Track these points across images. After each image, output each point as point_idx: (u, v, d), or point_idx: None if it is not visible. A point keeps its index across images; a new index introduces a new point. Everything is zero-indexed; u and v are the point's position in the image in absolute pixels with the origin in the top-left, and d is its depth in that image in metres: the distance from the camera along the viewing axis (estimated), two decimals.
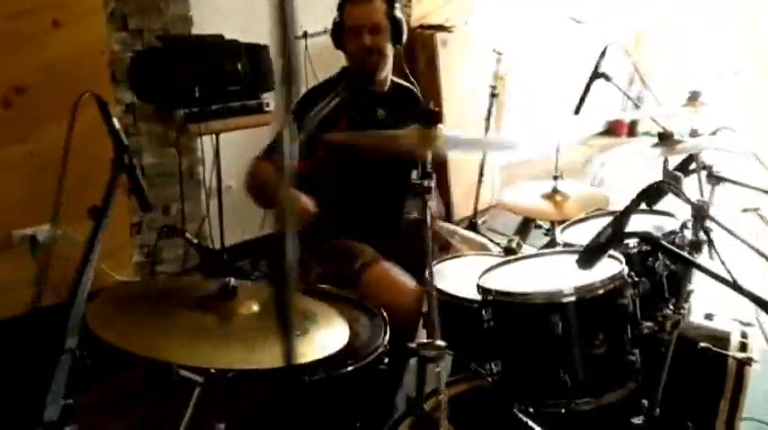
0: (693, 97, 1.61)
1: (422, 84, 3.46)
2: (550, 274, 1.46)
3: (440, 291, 1.66)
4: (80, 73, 2.53)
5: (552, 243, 1.84)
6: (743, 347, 1.70)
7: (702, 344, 1.69)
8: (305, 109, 1.96)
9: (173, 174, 2.95)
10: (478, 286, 1.44)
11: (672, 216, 1.65)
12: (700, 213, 1.31)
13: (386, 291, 1.77)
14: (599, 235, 1.23)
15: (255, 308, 1.24)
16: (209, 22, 2.79)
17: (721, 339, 1.72)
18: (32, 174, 2.51)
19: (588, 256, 1.27)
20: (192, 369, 1.20)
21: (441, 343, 1.24)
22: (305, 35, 2.94)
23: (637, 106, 2.58)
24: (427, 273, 1.31)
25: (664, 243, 1.16)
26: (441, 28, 3.76)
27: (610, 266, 1.36)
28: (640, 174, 1.74)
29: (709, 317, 1.86)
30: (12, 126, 2.43)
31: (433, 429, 1.34)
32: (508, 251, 1.93)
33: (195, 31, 2.77)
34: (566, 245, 1.69)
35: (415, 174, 1.31)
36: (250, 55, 2.48)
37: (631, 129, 5.90)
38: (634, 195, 1.28)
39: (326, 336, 1.21)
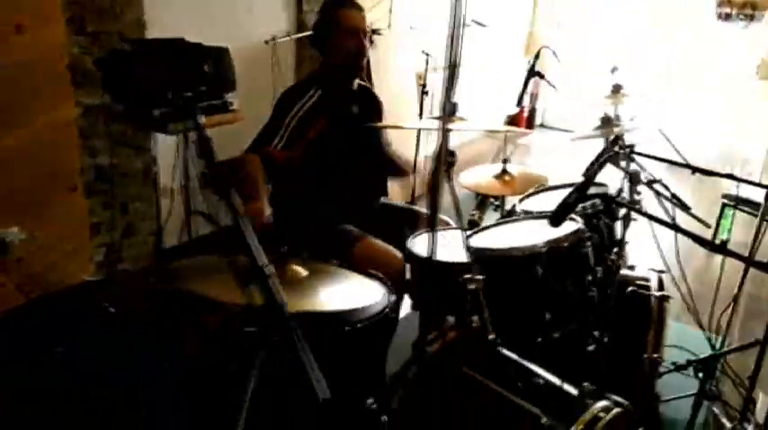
0: (616, 89, 2.03)
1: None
2: (521, 235, 1.81)
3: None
4: (42, 76, 2.58)
5: (511, 213, 2.19)
6: (660, 288, 2.13)
7: (630, 288, 2.11)
8: (284, 107, 2.20)
9: (132, 174, 3.03)
10: (470, 247, 1.76)
11: (604, 185, 2.06)
12: (634, 179, 1.70)
13: (376, 261, 2.04)
14: (567, 198, 1.58)
15: (304, 272, 1.48)
16: (160, 25, 2.92)
17: (643, 283, 2.15)
18: None
19: (558, 216, 1.62)
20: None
21: None
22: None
23: None
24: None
25: (620, 200, 1.53)
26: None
27: (570, 225, 1.72)
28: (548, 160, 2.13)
29: (631, 267, 2.30)
30: None
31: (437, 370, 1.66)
32: (472, 223, 2.28)
33: (150, 34, 2.88)
34: (525, 212, 2.05)
35: None
36: (214, 57, 2.63)
37: (529, 122, 6.54)
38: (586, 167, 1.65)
39: (366, 292, 1.47)
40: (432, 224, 1.18)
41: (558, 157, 5.64)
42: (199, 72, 2.60)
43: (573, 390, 1.60)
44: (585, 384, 1.65)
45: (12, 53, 2.44)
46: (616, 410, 1.53)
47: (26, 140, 2.57)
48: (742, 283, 2.09)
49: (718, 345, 2.20)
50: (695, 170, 1.91)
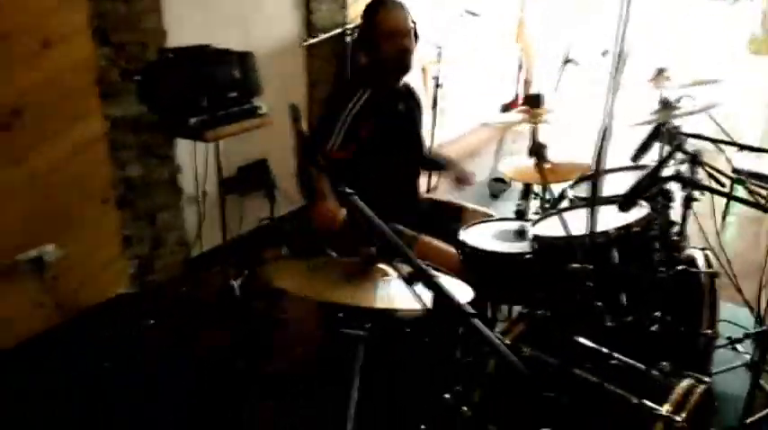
0: (659, 72, 2.07)
1: None
2: (574, 224, 1.83)
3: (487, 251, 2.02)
4: (71, 91, 2.55)
5: (557, 202, 2.21)
6: (708, 265, 2.19)
7: (679, 267, 2.16)
8: (335, 107, 2.20)
9: (159, 183, 3.00)
10: (537, 236, 1.79)
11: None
12: (695, 158, 1.74)
13: (435, 259, 2.06)
14: (639, 182, 1.61)
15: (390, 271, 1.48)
16: (178, 31, 2.88)
17: (691, 261, 2.20)
18: (33, 195, 2.49)
19: (629, 200, 1.65)
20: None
21: None
22: None
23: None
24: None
25: (696, 180, 1.56)
26: None
27: (637, 209, 1.76)
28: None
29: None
30: (10, 148, 2.40)
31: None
32: (519, 213, 2.31)
33: (170, 43, 2.85)
34: (578, 199, 2.09)
35: None
36: (241, 62, 2.63)
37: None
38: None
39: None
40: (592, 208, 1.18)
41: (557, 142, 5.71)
42: (229, 78, 2.61)
43: (654, 371, 1.64)
44: (664, 364, 1.69)
45: (41, 69, 2.41)
46: (702, 387, 1.57)
47: (58, 157, 2.54)
48: None
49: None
50: (742, 147, 1.96)
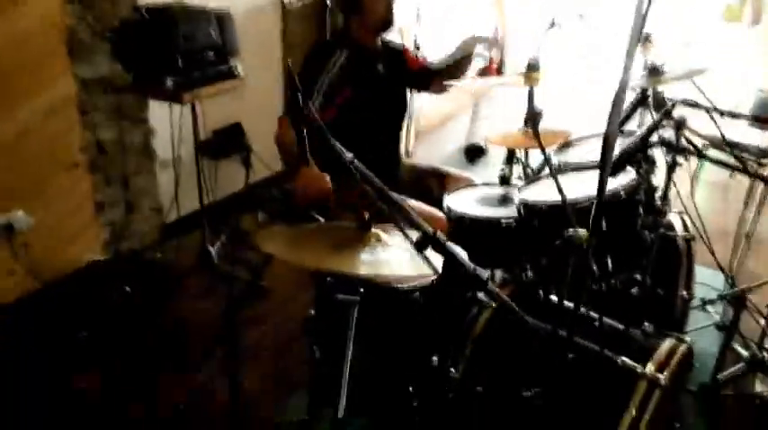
0: (646, 38, 2.07)
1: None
2: (575, 187, 1.84)
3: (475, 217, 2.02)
4: (39, 51, 2.43)
5: (544, 166, 2.22)
6: (685, 229, 2.24)
7: (661, 231, 2.20)
8: (313, 69, 2.15)
9: (131, 147, 2.91)
10: (526, 202, 1.79)
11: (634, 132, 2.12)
12: (681, 125, 1.75)
13: None
14: (627, 148, 1.63)
15: (384, 236, 1.47)
16: None
17: (668, 226, 2.24)
18: (0, 160, 2.39)
19: (617, 166, 1.66)
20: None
21: None
22: None
23: None
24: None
25: (685, 145, 1.58)
26: None
27: (623, 174, 1.77)
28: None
29: None
30: None
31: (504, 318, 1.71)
32: (503, 179, 2.31)
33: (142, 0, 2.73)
34: (564, 165, 2.10)
35: None
36: (219, 22, 2.54)
37: (499, 70, 6.56)
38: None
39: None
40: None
41: (513, 102, 5.73)
42: (206, 38, 2.52)
43: (636, 332, 1.68)
44: (646, 325, 1.74)
45: (5, 28, 2.28)
46: (684, 346, 1.62)
47: (26, 120, 2.43)
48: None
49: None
50: (723, 114, 1.99)
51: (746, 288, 2.01)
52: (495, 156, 4.46)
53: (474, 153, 4.19)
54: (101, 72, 2.62)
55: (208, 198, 3.17)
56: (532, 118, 1.38)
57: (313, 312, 2.60)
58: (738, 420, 2.17)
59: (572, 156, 2.19)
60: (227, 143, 3.43)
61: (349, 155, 1.20)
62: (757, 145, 2.55)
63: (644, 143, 1.60)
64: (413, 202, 2.15)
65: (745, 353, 2.27)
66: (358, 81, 2.18)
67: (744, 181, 2.78)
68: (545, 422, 1.55)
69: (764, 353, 2.22)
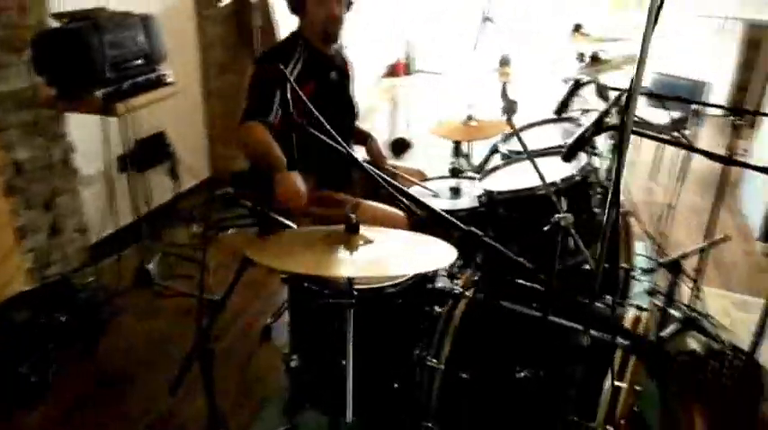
0: (576, 29, 2.20)
1: (262, 40, 3.61)
2: (522, 176, 1.93)
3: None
4: None
5: (490, 156, 2.30)
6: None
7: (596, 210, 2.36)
8: (270, 75, 2.09)
9: (51, 166, 2.70)
10: (490, 192, 1.85)
11: (577, 119, 2.25)
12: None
13: (382, 223, 2.06)
14: (583, 133, 1.72)
15: (370, 238, 1.47)
16: None
17: None
18: None
19: (572, 151, 1.76)
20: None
21: None
22: None
23: None
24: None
25: (644, 131, 1.70)
26: None
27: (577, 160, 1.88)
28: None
29: None
30: None
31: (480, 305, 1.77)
32: (455, 171, 2.38)
33: (54, 7, 2.53)
34: (510, 153, 2.19)
35: None
36: (145, 26, 2.40)
37: (407, 69, 6.68)
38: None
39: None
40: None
41: (428, 100, 5.90)
42: (133, 44, 2.38)
43: (601, 305, 1.80)
44: (608, 297, 1.86)
45: None
46: (645, 314, 1.75)
47: None
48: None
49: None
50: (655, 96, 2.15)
51: (682, 255, 2.19)
52: (420, 149, 4.55)
53: (400, 147, 4.25)
54: (14, 87, 2.41)
55: (136, 213, 3.01)
56: (509, 110, 1.43)
57: (271, 320, 2.58)
58: (678, 374, 2.37)
59: (518, 144, 2.27)
60: (151, 154, 3.27)
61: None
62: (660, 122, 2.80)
63: (598, 128, 1.70)
64: (368, 203, 2.16)
65: (677, 314, 2.48)
66: (318, 78, 2.17)
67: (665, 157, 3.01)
68: (534, 399, 1.63)
69: (695, 314, 2.44)
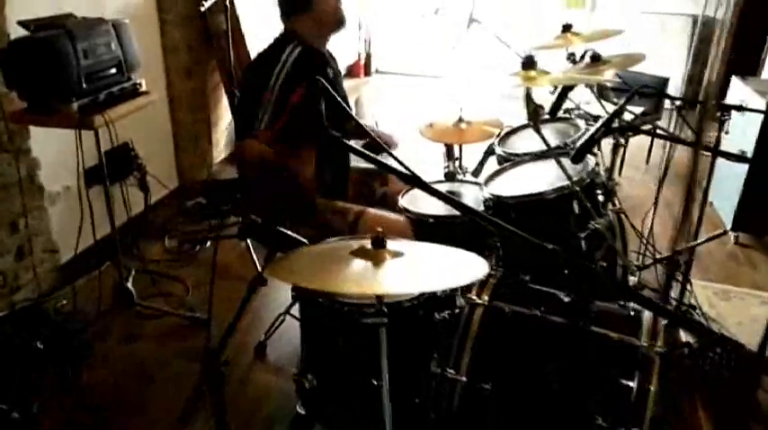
0: (566, 29, 2.19)
1: (228, 44, 3.49)
2: (540, 177, 1.91)
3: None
4: None
5: (487, 154, 2.27)
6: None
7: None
8: (258, 80, 2.00)
9: (15, 184, 2.52)
10: (494, 196, 1.82)
11: (571, 119, 2.24)
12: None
13: (386, 230, 2.00)
14: (593, 133, 1.71)
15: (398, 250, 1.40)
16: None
17: None
18: None
19: (582, 152, 1.75)
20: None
21: None
22: None
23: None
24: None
25: (644, 128, 1.70)
26: None
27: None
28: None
29: None
30: None
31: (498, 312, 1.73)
32: (449, 175, 2.34)
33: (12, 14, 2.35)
34: (509, 155, 2.16)
35: None
36: (117, 33, 2.26)
37: (366, 68, 6.62)
38: None
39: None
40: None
41: (393, 101, 5.89)
42: (107, 52, 2.24)
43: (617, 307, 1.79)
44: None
45: None
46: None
47: None
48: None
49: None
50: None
51: (679, 252, 2.22)
52: (406, 152, 4.48)
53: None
54: None
55: (107, 229, 2.84)
56: (535, 116, 1.39)
57: (265, 337, 2.48)
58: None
59: (516, 145, 2.26)
60: (119, 166, 3.09)
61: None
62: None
63: (607, 129, 1.69)
64: (371, 211, 2.10)
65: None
66: (311, 79, 2.08)
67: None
68: (560, 407, 1.60)
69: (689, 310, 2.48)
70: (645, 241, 2.57)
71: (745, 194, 3.23)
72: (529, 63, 1.38)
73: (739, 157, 2.36)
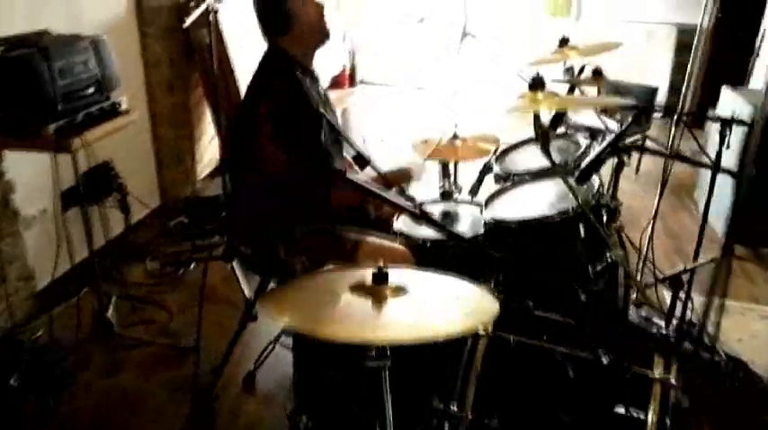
0: (564, 42, 2.12)
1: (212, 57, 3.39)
2: (544, 198, 1.83)
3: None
4: None
5: (484, 172, 2.19)
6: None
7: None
8: (306, 109, 1.89)
9: None
10: (495, 220, 1.74)
11: (570, 135, 2.17)
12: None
13: (386, 259, 1.90)
14: (599, 154, 1.64)
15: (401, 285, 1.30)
16: None
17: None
18: None
19: (587, 173, 1.68)
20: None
21: None
22: None
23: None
24: None
25: (654, 148, 1.63)
26: None
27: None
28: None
29: None
30: None
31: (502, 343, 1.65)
32: (445, 195, 2.26)
33: None
34: (508, 173, 2.09)
35: None
36: (96, 51, 2.15)
37: (351, 80, 6.54)
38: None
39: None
40: None
41: (379, 113, 5.82)
42: (84, 71, 2.12)
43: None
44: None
45: None
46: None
47: None
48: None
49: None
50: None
51: (683, 270, 2.16)
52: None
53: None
54: None
55: (85, 253, 2.72)
56: (544, 137, 1.31)
57: (254, 367, 2.36)
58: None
59: (516, 163, 2.18)
60: (98, 186, 2.96)
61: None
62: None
63: (614, 149, 1.62)
64: (371, 237, 2.01)
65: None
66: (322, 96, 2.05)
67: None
68: None
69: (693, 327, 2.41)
70: (645, 259, 2.50)
71: (738, 206, 3.19)
72: (537, 84, 1.31)
73: (730, 172, 2.30)
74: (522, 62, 2.30)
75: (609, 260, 1.29)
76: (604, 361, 1.53)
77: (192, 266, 3.15)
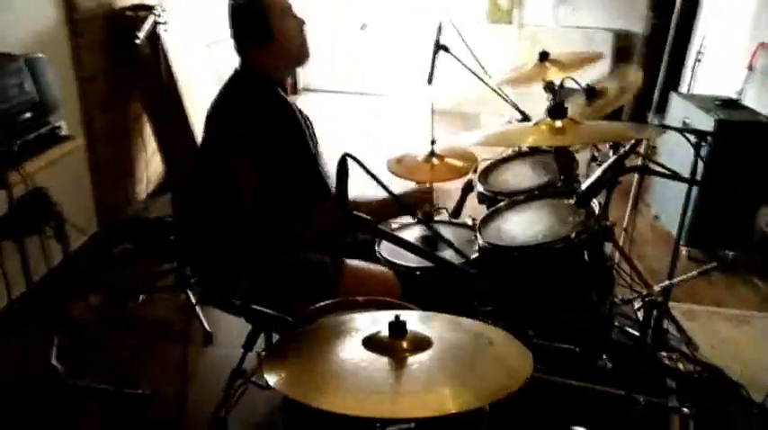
0: (544, 57, 2.05)
1: (152, 70, 3.17)
2: (543, 222, 1.74)
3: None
4: None
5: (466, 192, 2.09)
6: None
7: None
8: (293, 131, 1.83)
9: None
10: (491, 244, 1.64)
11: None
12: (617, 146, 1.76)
13: (370, 284, 1.77)
14: (600, 176, 1.57)
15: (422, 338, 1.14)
16: None
17: None
18: None
19: (587, 196, 1.60)
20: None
21: None
22: None
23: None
24: None
25: (658, 170, 1.57)
26: (147, 8, 3.37)
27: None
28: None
29: None
30: None
31: None
32: (425, 218, 2.14)
33: None
34: (496, 193, 1.99)
35: None
36: (31, 70, 1.90)
37: (294, 87, 6.34)
38: None
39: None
40: None
41: (325, 120, 5.64)
42: (19, 94, 1.87)
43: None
44: None
45: None
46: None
47: None
48: None
49: None
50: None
51: (668, 286, 2.13)
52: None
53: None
54: None
55: (19, 292, 2.44)
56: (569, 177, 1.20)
57: (224, 412, 2.15)
58: None
59: (502, 182, 2.09)
60: (31, 216, 2.67)
61: None
62: None
63: (615, 170, 1.55)
64: (353, 263, 1.86)
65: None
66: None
67: None
68: None
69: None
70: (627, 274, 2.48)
71: (692, 209, 3.24)
72: (557, 111, 1.20)
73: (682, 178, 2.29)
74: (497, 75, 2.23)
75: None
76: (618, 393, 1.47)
77: (140, 299, 2.90)
